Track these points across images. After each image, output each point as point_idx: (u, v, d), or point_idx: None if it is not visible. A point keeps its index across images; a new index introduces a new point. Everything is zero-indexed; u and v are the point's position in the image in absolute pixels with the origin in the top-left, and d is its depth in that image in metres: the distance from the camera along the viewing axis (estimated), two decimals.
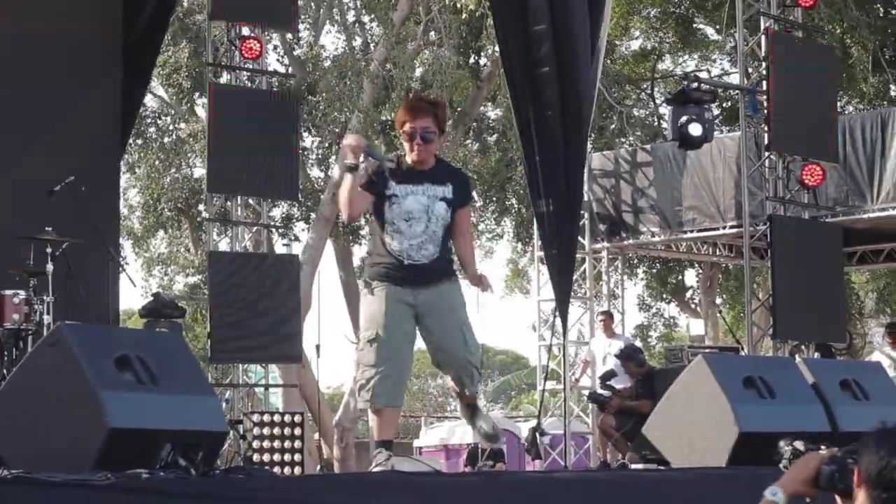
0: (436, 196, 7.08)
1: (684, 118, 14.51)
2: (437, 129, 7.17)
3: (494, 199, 25.72)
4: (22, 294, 10.22)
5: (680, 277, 30.27)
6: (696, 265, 27.66)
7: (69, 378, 5.64)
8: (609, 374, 14.07)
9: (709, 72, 27.51)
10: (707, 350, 16.43)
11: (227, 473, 5.96)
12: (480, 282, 7.22)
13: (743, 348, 15.19)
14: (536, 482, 6.15)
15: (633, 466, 9.26)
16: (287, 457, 13.30)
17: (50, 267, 10.39)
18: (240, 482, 5.68)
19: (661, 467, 8.18)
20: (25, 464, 5.42)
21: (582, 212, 17.95)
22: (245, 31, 13.80)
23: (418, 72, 24.01)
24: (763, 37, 14.54)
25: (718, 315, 26.66)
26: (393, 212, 7.05)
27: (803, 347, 14.63)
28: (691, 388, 7.95)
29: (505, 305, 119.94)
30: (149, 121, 25.70)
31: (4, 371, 9.94)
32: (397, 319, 6.98)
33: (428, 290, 7.04)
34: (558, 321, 14.15)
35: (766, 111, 14.38)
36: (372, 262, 7.24)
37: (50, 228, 10.48)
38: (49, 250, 10.45)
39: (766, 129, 14.44)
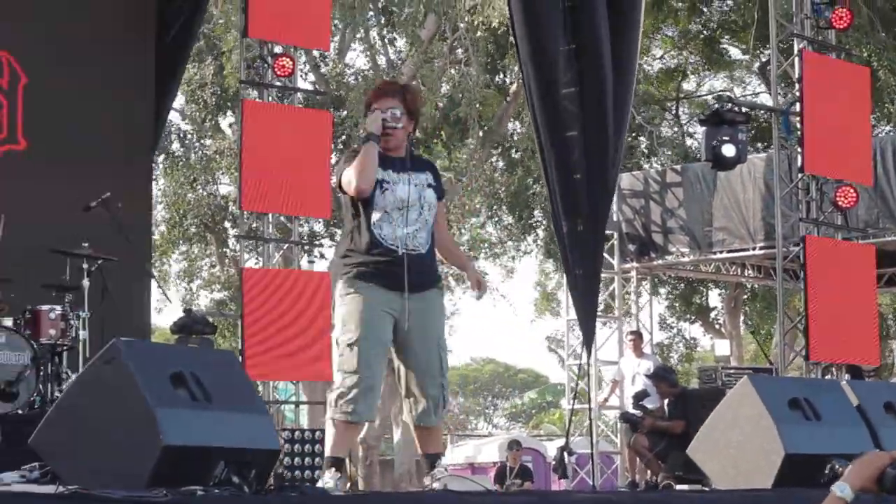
0: (423, 183, 6.70)
1: (718, 139, 14.48)
2: (406, 112, 6.73)
3: (520, 216, 25.70)
4: (58, 309, 10.24)
5: (704, 298, 30.21)
6: (721, 285, 27.59)
7: (124, 395, 5.61)
8: (642, 394, 14.04)
9: (734, 92, 27.54)
10: (734, 371, 16.39)
11: (281, 491, 5.93)
12: (479, 286, 6.71)
13: (775, 370, 15.14)
14: (588, 503, 6.12)
15: (679, 487, 9.21)
16: (317, 474, 13.27)
17: (86, 282, 10.42)
18: (293, 500, 5.66)
19: (705, 488, 8.14)
20: (79, 480, 5.40)
21: (612, 232, 17.95)
22: (277, 48, 13.83)
23: (444, 88, 24.03)
24: (797, 58, 14.50)
25: (751, 335, 26.57)
26: (386, 199, 6.58)
27: (833, 369, 14.57)
28: (736, 409, 7.89)
29: (524, 323, 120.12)
30: (173, 137, 25.73)
31: (41, 386, 9.93)
32: (375, 326, 6.50)
33: (417, 296, 6.55)
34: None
35: (799, 133, 14.33)
36: (356, 262, 6.63)
37: (86, 244, 10.49)
38: (85, 266, 10.47)
39: (799, 150, 14.40)
